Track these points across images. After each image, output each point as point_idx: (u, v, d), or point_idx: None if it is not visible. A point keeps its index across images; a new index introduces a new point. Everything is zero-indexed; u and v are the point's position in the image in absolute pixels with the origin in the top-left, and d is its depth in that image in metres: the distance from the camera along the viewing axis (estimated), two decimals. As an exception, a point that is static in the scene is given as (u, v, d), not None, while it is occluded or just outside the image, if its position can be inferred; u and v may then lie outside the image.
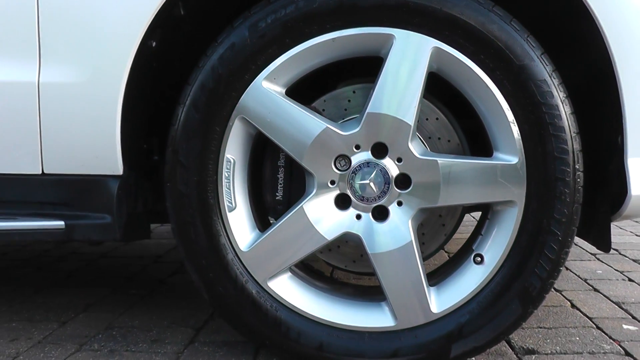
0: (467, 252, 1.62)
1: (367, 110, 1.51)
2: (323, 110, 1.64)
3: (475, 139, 1.65)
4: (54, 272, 2.62)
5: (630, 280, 2.46)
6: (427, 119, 1.62)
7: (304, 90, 1.65)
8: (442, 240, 1.70)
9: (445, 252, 2.83)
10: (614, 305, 2.13)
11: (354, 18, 1.50)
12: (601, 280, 2.45)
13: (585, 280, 2.44)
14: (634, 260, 2.78)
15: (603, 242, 1.64)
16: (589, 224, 1.68)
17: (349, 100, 1.64)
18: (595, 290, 2.31)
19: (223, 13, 1.74)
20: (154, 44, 1.63)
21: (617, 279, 2.47)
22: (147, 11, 1.54)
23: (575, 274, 2.54)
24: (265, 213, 1.69)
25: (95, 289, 2.36)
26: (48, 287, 2.39)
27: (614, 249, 2.98)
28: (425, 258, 1.66)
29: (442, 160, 1.52)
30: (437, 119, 1.63)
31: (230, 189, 1.58)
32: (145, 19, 1.54)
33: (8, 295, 2.28)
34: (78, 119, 1.59)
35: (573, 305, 2.13)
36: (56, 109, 1.59)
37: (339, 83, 1.69)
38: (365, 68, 1.65)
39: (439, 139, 1.63)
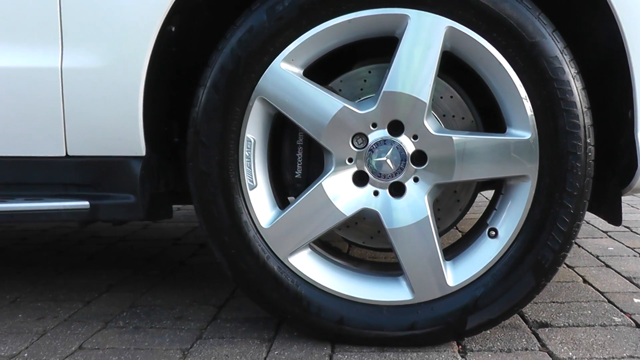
0: (481, 227, 1.66)
1: (383, 89, 1.55)
2: (340, 90, 1.68)
3: (489, 116, 1.69)
4: (75, 255, 2.68)
5: (641, 256, 2.50)
6: (441, 98, 1.66)
7: (321, 71, 1.68)
8: (457, 215, 1.74)
9: (459, 231, 2.87)
10: (625, 280, 2.17)
11: (369, 0, 1.54)
12: (612, 256, 2.49)
13: (597, 257, 2.48)
14: (645, 238, 2.82)
15: (614, 216, 1.68)
16: (600, 198, 1.72)
17: (365, 80, 1.68)
18: (607, 266, 2.35)
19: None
20: (173, 29, 1.67)
21: (629, 255, 2.50)
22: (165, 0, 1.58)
23: (587, 251, 2.57)
24: (284, 191, 1.74)
25: (116, 270, 2.42)
26: (69, 269, 2.45)
27: (626, 226, 3.02)
28: (440, 233, 1.70)
29: (456, 136, 1.56)
30: (451, 97, 1.66)
31: (251, 168, 1.62)
32: (165, 4, 1.58)
33: (31, 277, 2.34)
34: (100, 103, 1.63)
35: (585, 281, 2.17)
36: (79, 94, 1.64)
37: (355, 64, 1.73)
38: (380, 49, 1.68)
39: (454, 116, 1.67)
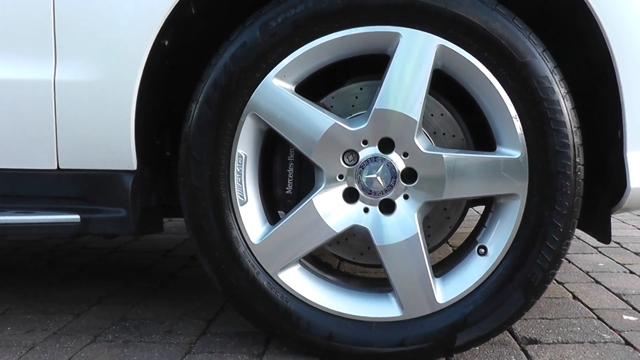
0: (471, 244, 1.67)
1: (374, 107, 1.56)
2: (331, 106, 1.69)
3: (479, 134, 1.70)
4: (66, 266, 2.67)
5: (631, 272, 2.50)
6: (432, 115, 1.67)
7: (313, 87, 1.69)
8: (447, 232, 1.75)
9: (450, 245, 2.88)
10: (615, 296, 2.18)
11: (361, 17, 1.55)
12: (602, 272, 2.50)
13: (587, 273, 2.49)
14: (635, 253, 2.83)
15: (603, 234, 1.69)
16: (589, 216, 1.73)
17: (356, 97, 1.69)
18: (597, 282, 2.36)
19: (233, 12, 1.79)
20: (166, 42, 1.68)
21: (619, 272, 2.51)
22: (161, 11, 1.59)
23: (577, 267, 2.58)
24: (275, 206, 1.74)
25: (107, 282, 2.41)
26: (61, 280, 2.45)
27: (616, 242, 3.03)
28: (430, 250, 1.71)
29: (446, 154, 1.57)
30: (441, 114, 1.67)
31: (242, 184, 1.63)
32: (158, 19, 1.59)
33: (22, 289, 2.34)
34: (93, 116, 1.64)
35: (575, 297, 2.18)
36: (71, 107, 1.64)
37: (347, 80, 1.74)
38: (371, 64, 1.69)
39: (444, 134, 1.68)
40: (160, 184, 1.80)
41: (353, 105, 1.69)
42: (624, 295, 2.20)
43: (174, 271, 2.58)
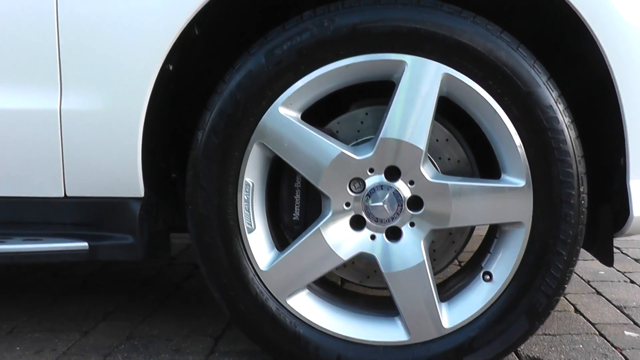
0: (476, 269, 1.69)
1: (380, 136, 1.57)
2: (337, 132, 1.70)
3: (485, 158, 1.71)
4: (69, 277, 2.68)
5: (631, 282, 2.53)
6: (437, 140, 1.68)
7: (318, 109, 1.70)
8: (452, 256, 1.77)
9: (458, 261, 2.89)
10: (616, 309, 2.21)
11: (366, 45, 1.56)
12: (604, 281, 2.53)
13: (588, 282, 2.52)
14: (636, 260, 2.85)
15: (606, 257, 1.71)
16: (592, 237, 1.75)
17: (362, 122, 1.70)
18: (598, 293, 2.39)
19: (237, 34, 1.80)
20: (171, 67, 1.68)
21: (619, 281, 2.54)
22: (167, 39, 1.59)
23: (579, 275, 2.61)
24: (282, 231, 1.75)
25: (112, 295, 2.43)
26: (65, 294, 2.46)
27: (616, 247, 3.05)
28: (435, 273, 1.73)
29: (452, 183, 1.58)
30: (447, 140, 1.69)
31: (249, 211, 1.64)
32: (165, 47, 1.59)
33: (27, 304, 2.35)
34: (99, 145, 1.64)
35: (577, 310, 2.21)
36: (78, 136, 1.65)
37: (352, 103, 1.75)
38: (377, 87, 1.70)
39: (449, 159, 1.69)
40: (167, 206, 1.82)
41: (359, 130, 1.70)
42: (625, 308, 2.23)
43: (179, 281, 2.60)
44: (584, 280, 2.55)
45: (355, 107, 1.72)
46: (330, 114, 1.75)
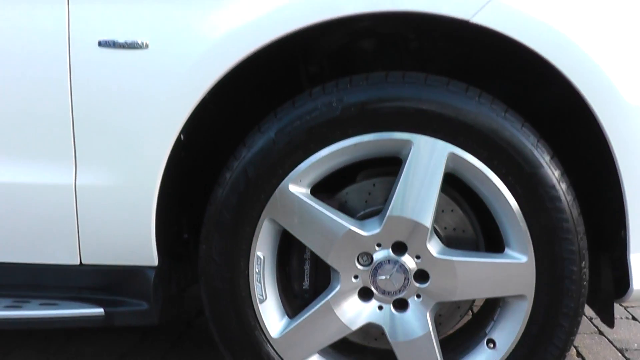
0: (480, 334, 1.74)
1: (388, 214, 1.61)
2: (345, 202, 1.74)
3: (489, 222, 1.75)
4: (84, 311, 2.74)
5: (634, 318, 2.58)
6: (442, 211, 1.72)
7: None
8: (457, 320, 1.82)
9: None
10: (618, 352, 2.26)
11: (374, 124, 1.60)
12: (606, 318, 2.57)
13: (591, 319, 2.57)
14: (637, 290, 2.90)
15: (607, 319, 1.76)
16: (594, 296, 1.80)
17: (369, 193, 1.74)
18: (600, 333, 2.44)
19: (247, 104, 1.84)
20: (182, 137, 1.72)
21: (621, 317, 2.59)
22: (180, 117, 1.62)
23: (581, 310, 2.66)
24: (293, 298, 1.80)
25: (125, 334, 2.49)
26: (79, 333, 2.52)
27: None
28: (440, 336, 1.78)
29: (457, 259, 1.63)
30: (452, 210, 1.73)
31: (261, 282, 1.69)
32: (178, 124, 1.63)
33: (41, 343, 2.41)
34: (114, 218, 1.69)
35: (579, 354, 2.26)
36: (93, 209, 1.69)
37: (361, 170, 1.79)
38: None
39: (454, 229, 1.73)
40: (180, 270, 1.87)
41: (366, 201, 1.74)
42: (627, 350, 2.28)
43: (190, 318, 2.66)
44: (586, 317, 2.60)
45: (363, 177, 1.76)
46: (339, 179, 1.78)
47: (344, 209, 1.72)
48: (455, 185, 1.72)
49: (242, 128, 1.74)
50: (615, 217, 1.65)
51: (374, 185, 1.74)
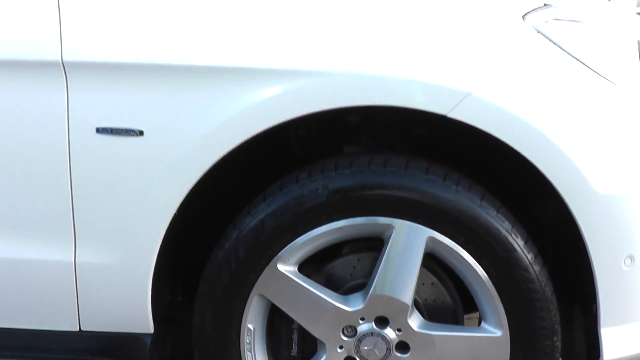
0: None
1: (370, 292, 1.72)
2: (331, 275, 1.84)
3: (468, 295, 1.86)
4: None
5: None
6: (423, 284, 1.82)
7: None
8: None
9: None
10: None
11: (358, 210, 1.69)
12: None
13: None
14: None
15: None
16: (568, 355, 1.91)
17: (354, 267, 1.84)
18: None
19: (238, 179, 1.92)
20: (176, 212, 1.80)
21: None
22: (174, 202, 1.70)
23: None
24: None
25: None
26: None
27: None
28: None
29: (436, 333, 1.74)
30: (432, 283, 1.83)
31: (251, 352, 1.80)
32: (173, 207, 1.71)
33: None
34: (112, 292, 1.78)
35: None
36: (92, 284, 1.78)
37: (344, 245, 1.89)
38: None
39: (434, 300, 1.84)
40: (175, 334, 1.97)
41: (351, 274, 1.84)
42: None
43: None
44: None
45: (348, 250, 1.86)
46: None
47: (330, 281, 1.82)
48: (436, 259, 1.82)
49: (235, 191, 1.87)
50: (588, 291, 1.75)
51: (358, 259, 1.84)
